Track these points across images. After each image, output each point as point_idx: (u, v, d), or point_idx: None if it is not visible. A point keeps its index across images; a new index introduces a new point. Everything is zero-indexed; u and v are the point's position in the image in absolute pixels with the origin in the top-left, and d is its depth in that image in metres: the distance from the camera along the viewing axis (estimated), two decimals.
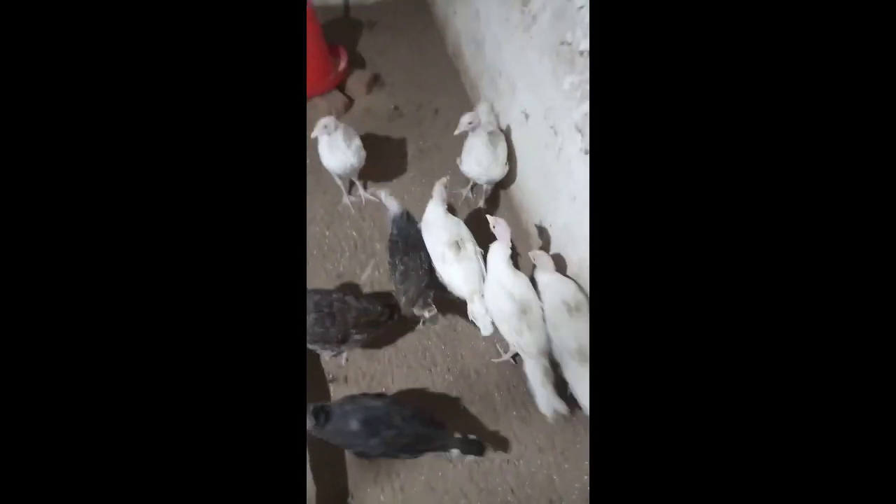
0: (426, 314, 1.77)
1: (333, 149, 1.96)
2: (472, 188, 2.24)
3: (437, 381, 1.75)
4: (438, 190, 1.84)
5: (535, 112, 1.84)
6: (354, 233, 2.17)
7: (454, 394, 1.72)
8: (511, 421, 1.67)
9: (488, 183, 2.08)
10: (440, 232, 1.74)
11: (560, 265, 1.71)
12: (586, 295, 1.58)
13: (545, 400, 1.53)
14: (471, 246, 1.75)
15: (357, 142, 2.01)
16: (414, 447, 1.45)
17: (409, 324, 1.81)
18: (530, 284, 1.62)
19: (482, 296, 1.67)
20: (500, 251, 1.62)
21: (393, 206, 1.82)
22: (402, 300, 1.72)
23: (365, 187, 2.28)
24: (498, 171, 1.98)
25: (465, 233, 1.77)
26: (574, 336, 1.49)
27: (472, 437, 1.47)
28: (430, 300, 1.75)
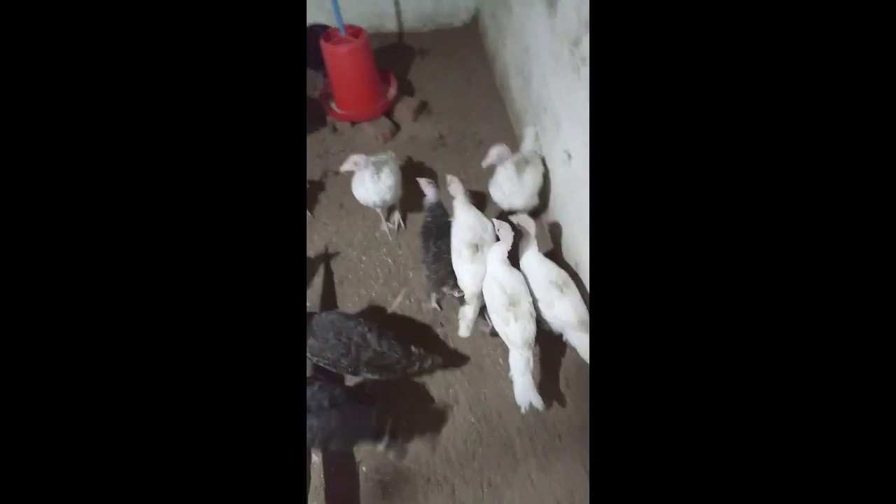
0: (455, 294, 1.90)
1: (358, 184, 2.03)
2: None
3: (457, 420, 1.73)
4: (457, 188, 1.96)
5: (578, 154, 1.81)
6: (390, 260, 2.21)
7: (474, 435, 1.70)
8: (530, 470, 1.62)
9: (512, 210, 2.09)
10: (465, 231, 1.84)
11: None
12: (567, 274, 1.74)
13: (522, 390, 1.62)
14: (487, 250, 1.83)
15: (387, 181, 2.03)
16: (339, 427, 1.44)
17: (433, 366, 1.80)
18: (524, 281, 1.73)
19: (479, 300, 1.77)
20: (499, 249, 1.75)
21: (431, 193, 2.01)
22: (433, 279, 1.90)
23: (405, 218, 2.32)
24: (520, 201, 2.01)
25: (488, 237, 1.85)
26: (572, 309, 1.64)
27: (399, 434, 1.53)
28: (456, 283, 1.86)
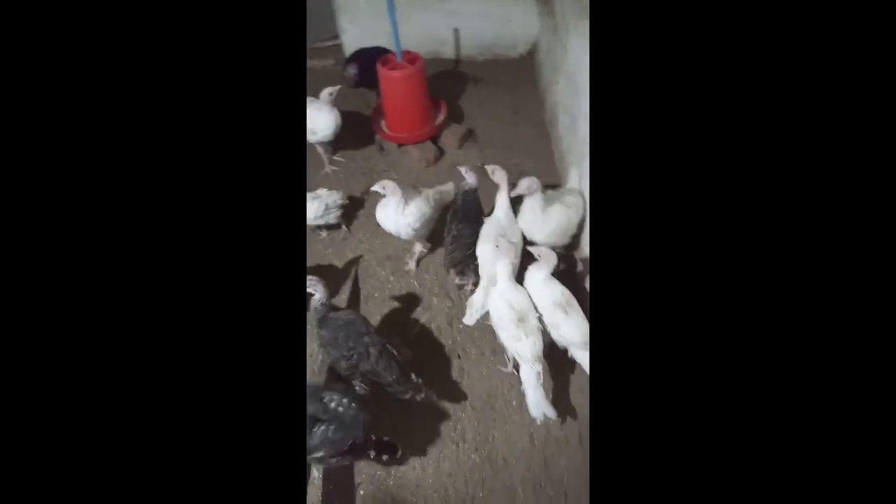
0: (457, 281, 2.00)
1: (381, 208, 2.04)
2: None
3: (461, 458, 1.70)
4: (501, 176, 1.99)
5: None
6: (416, 283, 2.22)
7: (476, 476, 1.66)
8: None
9: (533, 243, 2.05)
10: (496, 227, 1.91)
11: None
12: (569, 292, 1.75)
13: (535, 403, 1.65)
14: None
15: (408, 218, 2.00)
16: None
17: (427, 399, 1.75)
18: (528, 296, 1.74)
19: (488, 292, 1.79)
20: (504, 267, 1.75)
21: (472, 178, 2.02)
22: (447, 259, 1.99)
23: (419, 259, 2.31)
24: (541, 236, 2.00)
25: (515, 239, 1.91)
26: (576, 330, 1.66)
27: (385, 439, 1.56)
28: (469, 269, 1.94)
